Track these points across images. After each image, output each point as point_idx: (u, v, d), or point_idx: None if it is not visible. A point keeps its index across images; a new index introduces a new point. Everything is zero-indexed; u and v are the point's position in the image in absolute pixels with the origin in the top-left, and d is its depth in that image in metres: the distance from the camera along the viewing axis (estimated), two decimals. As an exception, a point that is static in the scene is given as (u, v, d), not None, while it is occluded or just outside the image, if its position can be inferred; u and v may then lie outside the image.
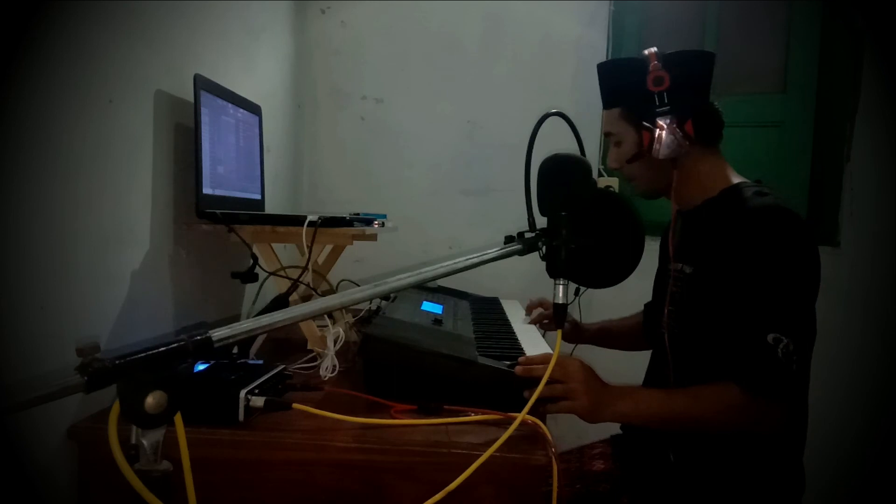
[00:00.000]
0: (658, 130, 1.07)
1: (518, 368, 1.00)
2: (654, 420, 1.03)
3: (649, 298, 1.40)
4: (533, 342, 1.34)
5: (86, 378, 0.50)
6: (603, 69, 1.17)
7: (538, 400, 0.92)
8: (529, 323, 1.56)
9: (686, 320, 1.12)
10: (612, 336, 1.57)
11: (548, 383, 0.92)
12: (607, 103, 1.18)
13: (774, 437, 1.05)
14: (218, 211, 1.27)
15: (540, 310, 1.58)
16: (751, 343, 0.96)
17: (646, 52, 1.09)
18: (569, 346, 1.56)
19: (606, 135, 1.21)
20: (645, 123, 1.09)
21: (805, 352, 0.97)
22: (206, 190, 1.26)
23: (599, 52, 2.09)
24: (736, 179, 1.14)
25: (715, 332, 1.04)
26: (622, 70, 1.16)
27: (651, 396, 1.05)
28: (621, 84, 1.14)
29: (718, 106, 1.14)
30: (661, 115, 1.07)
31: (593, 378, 1.00)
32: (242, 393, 0.93)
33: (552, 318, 1.54)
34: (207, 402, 0.92)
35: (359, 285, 0.81)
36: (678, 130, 1.06)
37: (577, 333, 1.56)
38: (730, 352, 0.99)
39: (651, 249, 1.20)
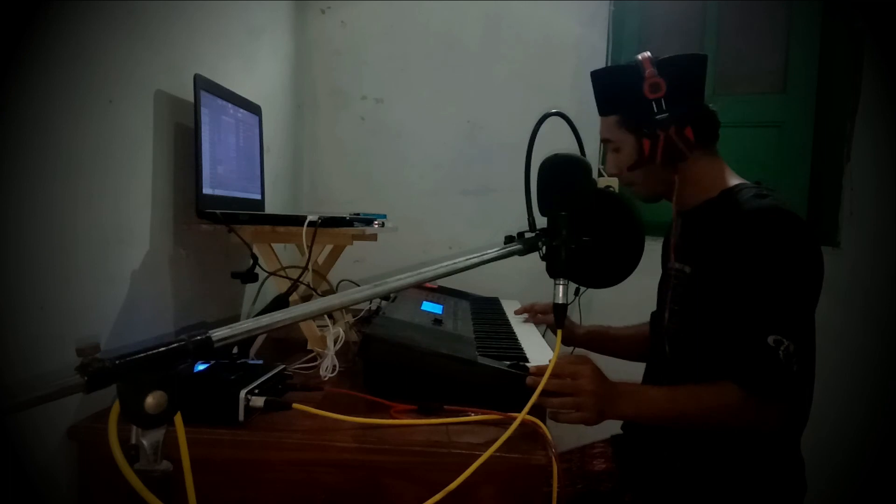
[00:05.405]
0: (659, 138, 1.06)
1: (529, 379, 1.00)
2: (655, 420, 1.05)
3: (649, 298, 1.39)
4: (533, 342, 1.34)
5: (86, 378, 0.50)
6: (597, 77, 1.15)
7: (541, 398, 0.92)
8: (524, 321, 1.56)
9: (686, 320, 1.12)
10: (608, 340, 1.53)
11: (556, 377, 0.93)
12: (603, 111, 1.17)
13: (774, 437, 1.05)
14: (218, 211, 1.27)
15: (526, 316, 1.58)
16: (752, 345, 0.96)
17: (639, 57, 1.08)
18: (567, 349, 1.55)
19: (604, 141, 1.20)
20: (644, 131, 1.08)
21: (805, 352, 0.98)
22: (206, 190, 1.26)
23: (599, 52, 2.09)
24: (735, 181, 1.13)
25: (714, 332, 1.04)
26: (617, 77, 1.15)
27: (653, 397, 1.05)
28: (617, 92, 1.13)
29: (713, 107, 1.13)
30: (661, 121, 1.06)
31: (601, 379, 1.00)
32: (242, 393, 0.93)
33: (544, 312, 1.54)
34: (207, 402, 0.92)
35: (359, 285, 0.81)
36: (679, 136, 1.06)
37: (570, 334, 1.51)
38: (730, 353, 0.99)
39: (651, 250, 1.20)
